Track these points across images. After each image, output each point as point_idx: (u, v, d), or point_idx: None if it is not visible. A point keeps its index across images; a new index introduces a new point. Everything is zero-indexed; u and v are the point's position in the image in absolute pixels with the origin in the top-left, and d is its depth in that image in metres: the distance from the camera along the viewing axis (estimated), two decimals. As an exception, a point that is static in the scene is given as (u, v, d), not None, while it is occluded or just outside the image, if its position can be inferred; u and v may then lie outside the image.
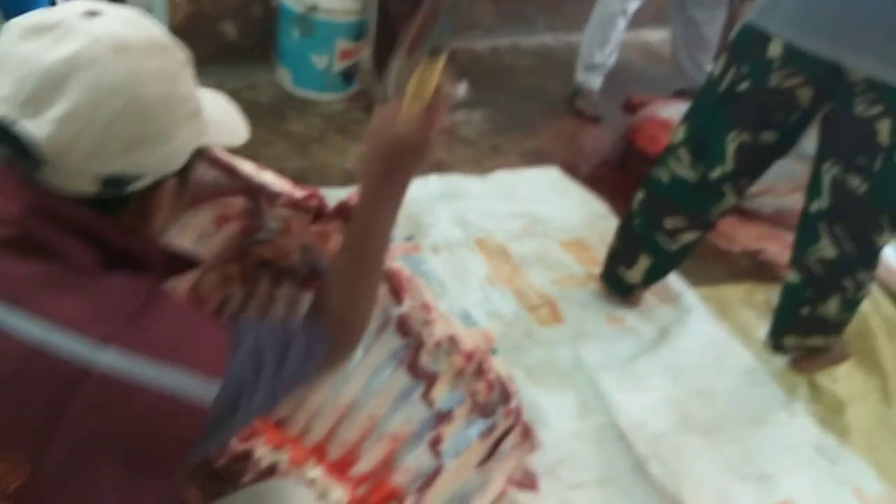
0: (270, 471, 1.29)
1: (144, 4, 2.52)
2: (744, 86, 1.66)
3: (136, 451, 0.67)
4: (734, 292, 2.25)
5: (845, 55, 1.53)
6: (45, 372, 0.64)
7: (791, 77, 1.61)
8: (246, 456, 1.28)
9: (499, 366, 1.37)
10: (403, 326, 1.32)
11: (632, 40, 3.55)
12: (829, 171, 1.65)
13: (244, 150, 2.47)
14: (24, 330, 0.65)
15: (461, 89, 2.80)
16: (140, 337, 0.68)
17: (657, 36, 3.67)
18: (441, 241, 2.13)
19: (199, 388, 0.69)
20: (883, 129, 1.54)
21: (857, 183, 1.61)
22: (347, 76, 2.61)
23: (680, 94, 3.07)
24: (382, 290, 1.31)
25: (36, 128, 0.67)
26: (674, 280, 2.18)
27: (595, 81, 2.98)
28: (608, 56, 2.94)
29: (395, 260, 1.94)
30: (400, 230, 2.13)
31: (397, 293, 1.32)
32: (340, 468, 1.35)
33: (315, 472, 1.31)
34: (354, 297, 0.92)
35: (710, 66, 3.06)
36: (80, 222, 0.71)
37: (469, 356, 1.33)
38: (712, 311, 2.14)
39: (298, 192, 1.26)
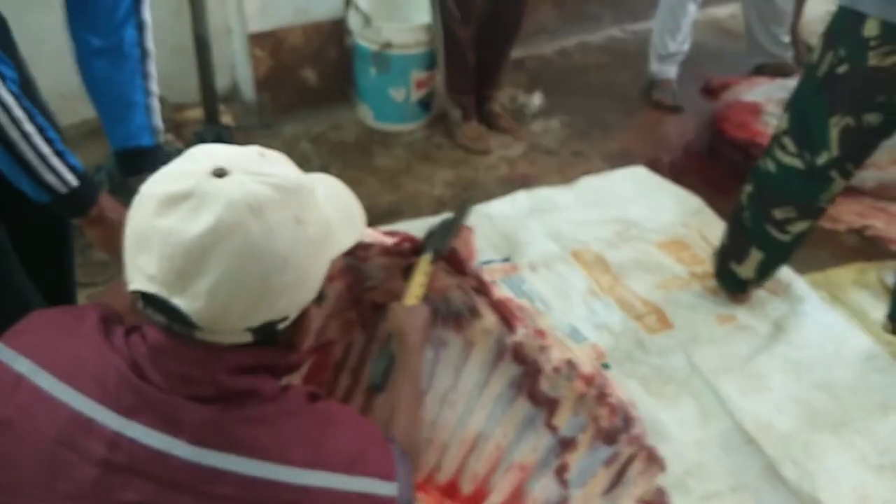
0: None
1: (229, 61, 2.65)
2: (842, 69, 1.63)
3: None
4: (845, 274, 2.19)
5: None
6: (266, 500, 0.76)
7: (890, 55, 1.56)
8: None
9: (620, 390, 1.39)
10: (519, 354, 1.36)
11: (701, 18, 3.45)
12: None
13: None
14: (238, 468, 0.75)
15: (536, 99, 2.81)
16: (330, 457, 0.80)
17: (727, 11, 3.57)
18: (538, 258, 2.15)
19: (383, 488, 0.83)
20: None
21: None
22: (425, 104, 2.66)
23: (759, 70, 2.99)
24: (494, 320, 1.35)
25: (187, 303, 0.72)
26: (782, 271, 2.14)
27: (671, 71, 2.94)
28: (682, 43, 2.90)
29: (500, 286, 2.00)
30: (496, 252, 2.16)
31: (509, 322, 1.36)
32: (473, 503, 1.39)
33: None
34: (407, 426, 1.10)
35: (786, 38, 2.98)
36: (250, 364, 0.78)
37: (589, 380, 1.36)
38: (824, 297, 2.09)
39: (389, 240, 1.31)
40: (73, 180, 1.14)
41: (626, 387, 1.78)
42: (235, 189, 0.72)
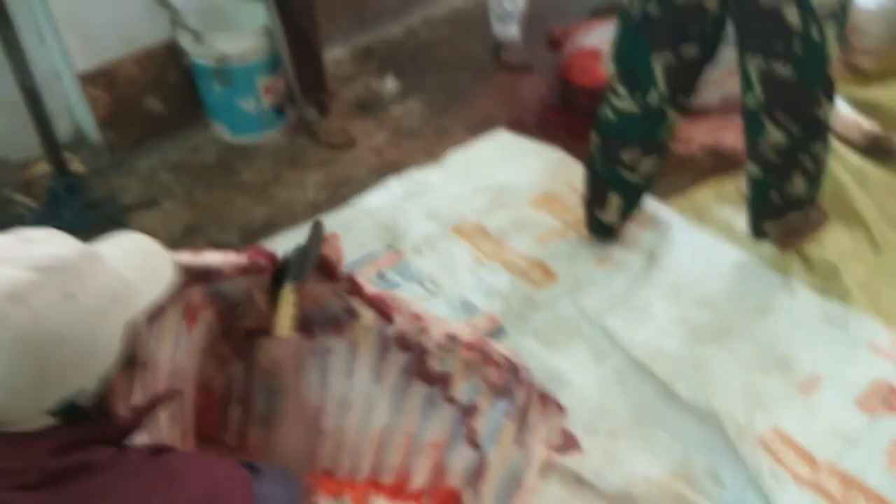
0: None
1: (65, 106, 2.54)
2: (651, 8, 1.71)
3: None
4: (705, 193, 2.32)
5: None
6: None
7: None
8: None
9: (499, 346, 1.45)
10: (402, 341, 1.39)
11: (532, -28, 3.55)
12: (753, 64, 1.70)
13: (209, 215, 2.52)
14: None
15: (389, 83, 2.82)
16: (183, 500, 0.80)
17: (558, -39, 3.66)
18: (420, 240, 2.18)
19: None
20: (790, 12, 1.60)
21: (781, 68, 1.67)
22: (279, 108, 2.63)
23: (595, 13, 3.08)
24: (372, 316, 1.37)
25: None
26: (647, 202, 2.24)
27: (512, 30, 2.99)
28: (516, 0, 2.95)
29: (375, 277, 2.02)
30: (378, 242, 2.18)
31: (386, 314, 1.39)
32: (398, 491, 1.43)
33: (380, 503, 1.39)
34: (294, 449, 1.14)
35: (614, -24, 3.08)
36: (69, 442, 0.76)
37: (471, 346, 1.41)
38: (690, 218, 2.21)
39: (241, 259, 1.30)
40: None
41: (521, 344, 1.85)
42: None
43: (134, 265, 0.86)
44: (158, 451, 0.85)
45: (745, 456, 1.60)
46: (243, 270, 1.28)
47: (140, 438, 1.17)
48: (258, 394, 1.28)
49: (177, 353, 1.27)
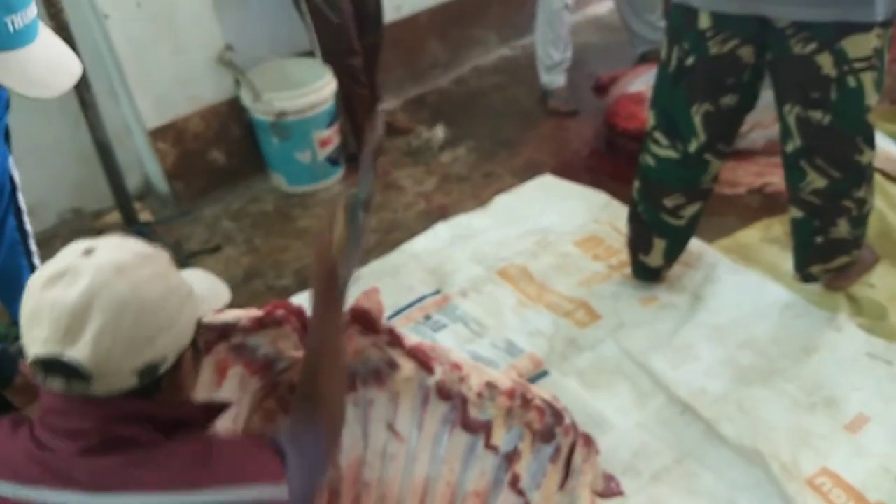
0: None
1: (135, 159, 2.72)
2: (690, 61, 1.75)
3: None
4: (751, 234, 2.32)
5: (765, 8, 1.61)
6: None
7: (727, 42, 1.70)
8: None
9: (540, 391, 1.48)
10: (443, 391, 1.42)
11: (582, 19, 3.64)
12: (792, 113, 1.73)
13: (268, 261, 2.61)
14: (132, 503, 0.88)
15: (439, 132, 2.92)
16: (217, 475, 0.91)
17: (604, 7, 3.74)
18: (466, 283, 2.24)
19: (272, 491, 0.94)
20: (825, 62, 1.62)
21: (819, 116, 1.69)
22: (333, 160, 2.75)
23: (644, 58, 3.14)
24: (412, 367, 1.41)
25: (77, 353, 0.86)
26: (694, 242, 2.26)
27: (560, 79, 3.08)
28: (564, 51, 3.04)
29: (423, 319, 2.06)
30: (427, 287, 2.25)
31: (426, 365, 1.42)
32: None
33: None
34: (330, 386, 1.16)
35: (661, 23, 3.14)
36: (135, 413, 0.92)
37: (511, 393, 1.43)
38: (736, 260, 2.22)
39: (257, 313, 1.34)
40: None
41: (564, 385, 1.88)
42: (103, 258, 0.89)
43: (200, 283, 1.03)
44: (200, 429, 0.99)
45: (792, 497, 1.58)
46: (259, 323, 1.33)
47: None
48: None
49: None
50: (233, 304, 2.05)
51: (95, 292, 0.87)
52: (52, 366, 0.87)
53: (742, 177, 2.55)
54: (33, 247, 1.58)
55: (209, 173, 2.74)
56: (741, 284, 2.13)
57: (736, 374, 1.88)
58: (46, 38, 1.12)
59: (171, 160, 2.64)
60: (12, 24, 1.04)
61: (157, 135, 2.59)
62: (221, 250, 2.52)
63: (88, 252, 0.90)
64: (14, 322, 1.51)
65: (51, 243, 2.55)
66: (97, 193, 2.63)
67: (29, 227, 1.56)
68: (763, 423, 1.75)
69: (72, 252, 0.92)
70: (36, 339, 0.88)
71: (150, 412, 0.93)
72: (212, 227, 2.64)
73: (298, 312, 1.37)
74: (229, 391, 1.35)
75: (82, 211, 2.69)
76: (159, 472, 0.90)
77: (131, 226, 2.55)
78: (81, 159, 2.59)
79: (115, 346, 0.87)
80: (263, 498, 0.93)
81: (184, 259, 2.44)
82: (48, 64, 1.10)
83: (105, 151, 2.47)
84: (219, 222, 2.65)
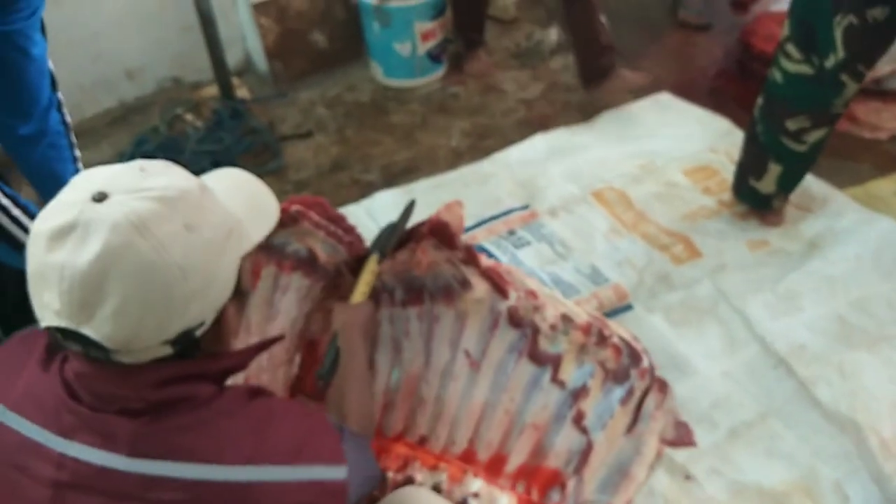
0: (436, 490, 1.32)
1: (238, 34, 2.66)
2: None
3: None
4: (885, 186, 2.07)
5: None
6: (213, 499, 0.78)
7: None
8: (408, 483, 1.32)
9: (619, 329, 1.36)
10: (514, 318, 1.33)
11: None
12: None
13: (357, 153, 2.57)
14: (179, 474, 0.77)
15: (552, 35, 2.72)
16: (272, 450, 0.81)
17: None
18: (557, 201, 2.10)
19: (332, 472, 0.85)
20: None
21: None
22: (435, 56, 2.61)
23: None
24: (485, 288, 1.32)
25: (95, 330, 0.72)
26: (818, 186, 2.03)
27: (695, -14, 2.79)
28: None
29: (506, 233, 1.95)
30: (515, 200, 2.13)
31: (501, 288, 1.32)
32: (494, 469, 1.36)
33: (477, 484, 1.34)
34: (358, 409, 1.12)
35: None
36: (172, 377, 0.78)
37: (587, 328, 1.33)
38: (865, 211, 1.98)
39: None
40: None
41: (648, 322, 1.75)
42: (117, 210, 0.72)
43: (241, 202, 0.86)
44: (255, 393, 0.86)
45: (890, 476, 1.43)
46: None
47: (238, 379, 1.22)
48: (326, 354, 1.27)
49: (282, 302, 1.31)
50: (317, 194, 2.05)
51: (112, 258, 0.70)
52: (68, 335, 0.74)
53: (887, 121, 2.26)
54: (73, 138, 1.55)
55: (309, 55, 2.66)
56: (864, 238, 1.90)
57: (841, 333, 1.69)
58: None
59: (273, 38, 2.57)
60: None
61: (260, 9, 2.52)
62: (312, 136, 2.46)
63: (100, 198, 0.72)
64: None
65: (149, 109, 2.58)
66: (197, 65, 2.61)
67: (68, 118, 1.53)
68: (864, 391, 1.57)
69: (79, 194, 0.73)
70: (47, 308, 0.73)
71: (190, 371, 0.79)
72: (306, 111, 2.58)
73: (317, 203, 1.30)
74: (264, 291, 1.33)
75: (181, 81, 2.68)
76: (211, 440, 0.78)
77: (228, 101, 2.52)
78: (184, 29, 2.55)
79: (141, 322, 0.72)
80: (320, 478, 0.83)
81: (275, 142, 2.41)
82: None
83: (208, 23, 2.42)
84: (313, 108, 2.59)
